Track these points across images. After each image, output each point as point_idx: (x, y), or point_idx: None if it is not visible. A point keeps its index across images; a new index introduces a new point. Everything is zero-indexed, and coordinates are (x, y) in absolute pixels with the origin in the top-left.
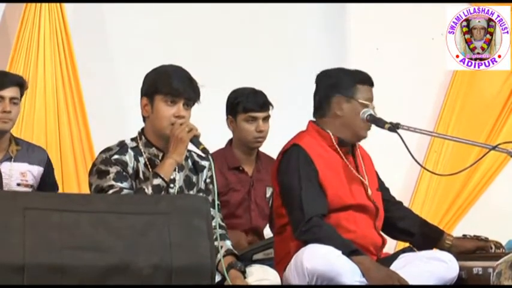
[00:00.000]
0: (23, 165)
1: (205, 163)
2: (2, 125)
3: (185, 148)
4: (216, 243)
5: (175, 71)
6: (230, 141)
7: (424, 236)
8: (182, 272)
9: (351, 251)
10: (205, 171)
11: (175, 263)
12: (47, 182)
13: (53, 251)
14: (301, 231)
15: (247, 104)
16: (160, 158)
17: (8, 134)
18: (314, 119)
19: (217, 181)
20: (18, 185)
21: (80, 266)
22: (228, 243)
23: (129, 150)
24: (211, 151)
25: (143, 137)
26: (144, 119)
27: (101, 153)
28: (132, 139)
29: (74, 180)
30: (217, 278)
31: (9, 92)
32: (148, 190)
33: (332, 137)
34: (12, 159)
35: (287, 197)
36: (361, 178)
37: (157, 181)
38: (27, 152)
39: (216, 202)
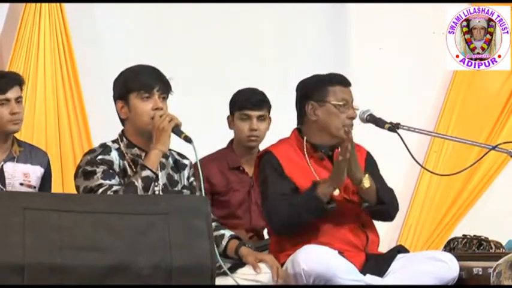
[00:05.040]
0: (26, 166)
1: (186, 161)
2: (14, 126)
3: (168, 137)
4: (214, 233)
5: (142, 68)
6: (231, 142)
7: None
8: (182, 272)
9: (312, 189)
10: (186, 169)
11: (175, 263)
12: (45, 187)
13: (53, 251)
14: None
15: (241, 102)
16: (143, 157)
17: (11, 135)
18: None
19: (218, 181)
20: (21, 184)
21: (80, 266)
22: (228, 230)
23: (113, 150)
24: (211, 152)
25: (124, 139)
26: (122, 122)
27: (84, 155)
28: (113, 141)
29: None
30: (228, 265)
31: (13, 92)
32: (138, 182)
33: (305, 143)
34: (15, 160)
35: (263, 206)
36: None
37: (145, 173)
38: (30, 153)
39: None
